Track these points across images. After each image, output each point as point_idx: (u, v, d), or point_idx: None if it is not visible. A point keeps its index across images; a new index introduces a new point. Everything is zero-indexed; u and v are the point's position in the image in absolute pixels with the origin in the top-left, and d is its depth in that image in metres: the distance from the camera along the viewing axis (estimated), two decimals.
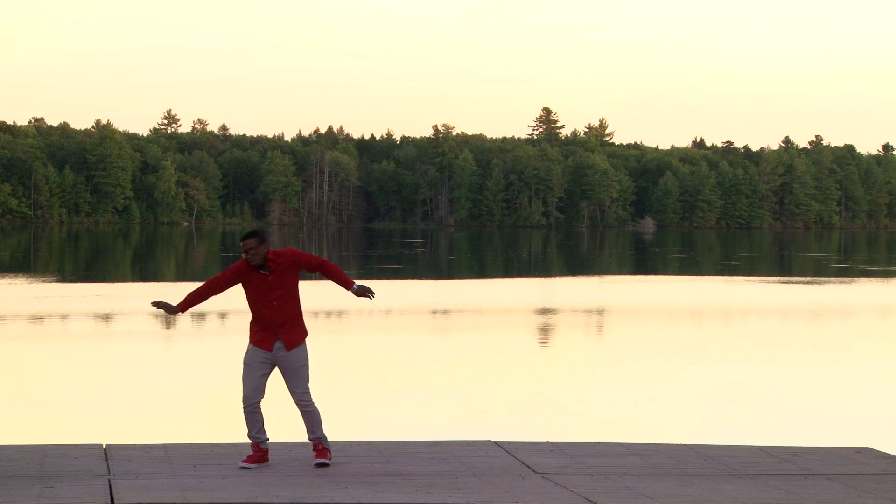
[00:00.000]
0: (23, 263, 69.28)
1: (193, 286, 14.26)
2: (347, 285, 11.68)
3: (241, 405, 11.72)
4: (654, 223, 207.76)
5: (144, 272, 63.69)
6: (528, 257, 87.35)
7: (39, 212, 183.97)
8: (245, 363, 11.71)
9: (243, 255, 11.60)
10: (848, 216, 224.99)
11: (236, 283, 11.76)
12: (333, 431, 14.69)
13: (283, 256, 11.65)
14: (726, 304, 41.95)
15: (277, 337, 11.64)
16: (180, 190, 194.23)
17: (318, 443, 11.83)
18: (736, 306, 41.08)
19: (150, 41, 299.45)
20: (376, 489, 10.86)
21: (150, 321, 31.64)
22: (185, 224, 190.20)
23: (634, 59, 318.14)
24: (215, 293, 11.80)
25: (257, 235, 11.59)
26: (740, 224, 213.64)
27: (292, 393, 11.72)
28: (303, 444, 12.76)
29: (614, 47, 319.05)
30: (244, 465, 11.70)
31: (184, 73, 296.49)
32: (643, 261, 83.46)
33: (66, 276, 55.21)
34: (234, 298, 12.09)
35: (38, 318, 33.23)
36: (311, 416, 11.76)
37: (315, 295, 38.91)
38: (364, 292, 11.69)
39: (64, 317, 33.88)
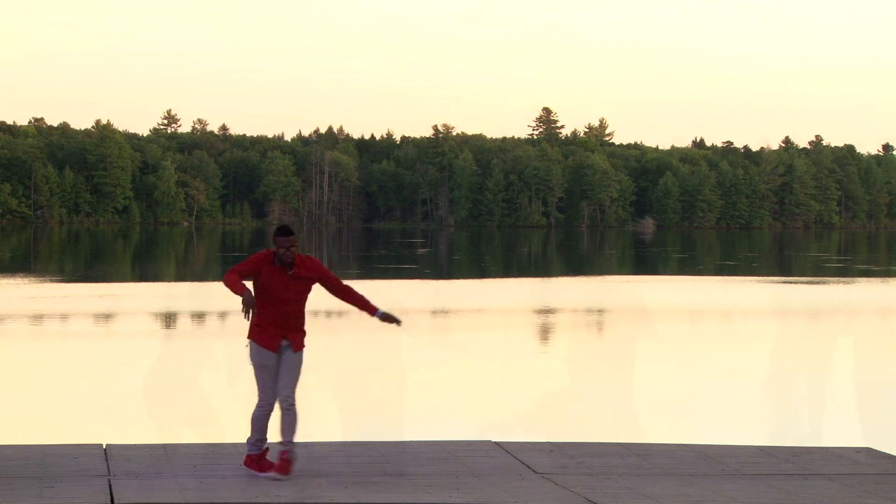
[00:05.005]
0: (23, 263, 69.26)
1: (193, 286, 14.26)
2: (371, 311, 11.64)
3: (255, 407, 11.43)
4: (654, 223, 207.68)
5: (144, 272, 63.66)
6: (528, 257, 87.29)
7: (39, 212, 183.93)
8: (257, 365, 11.46)
9: (282, 250, 11.41)
10: (848, 216, 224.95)
11: (256, 275, 11.49)
12: (333, 432, 14.72)
13: (311, 263, 11.60)
14: (726, 304, 41.92)
15: (284, 337, 11.52)
16: (180, 190, 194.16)
17: (286, 452, 11.39)
18: (736, 306, 41.06)
19: (151, 41, 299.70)
20: (376, 489, 10.86)
21: (150, 321, 31.63)
22: (185, 224, 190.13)
23: (634, 59, 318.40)
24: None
25: (295, 233, 11.53)
26: (740, 224, 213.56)
27: (282, 389, 11.40)
28: (301, 444, 12.73)
29: (614, 47, 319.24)
30: (269, 474, 11.39)
31: (184, 73, 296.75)
32: (643, 261, 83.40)
33: (66, 276, 55.18)
34: (233, 298, 12.03)
35: (38, 318, 33.21)
36: (292, 418, 11.42)
37: (315, 295, 38.87)
38: (389, 319, 11.61)
39: (64, 317, 33.86)
